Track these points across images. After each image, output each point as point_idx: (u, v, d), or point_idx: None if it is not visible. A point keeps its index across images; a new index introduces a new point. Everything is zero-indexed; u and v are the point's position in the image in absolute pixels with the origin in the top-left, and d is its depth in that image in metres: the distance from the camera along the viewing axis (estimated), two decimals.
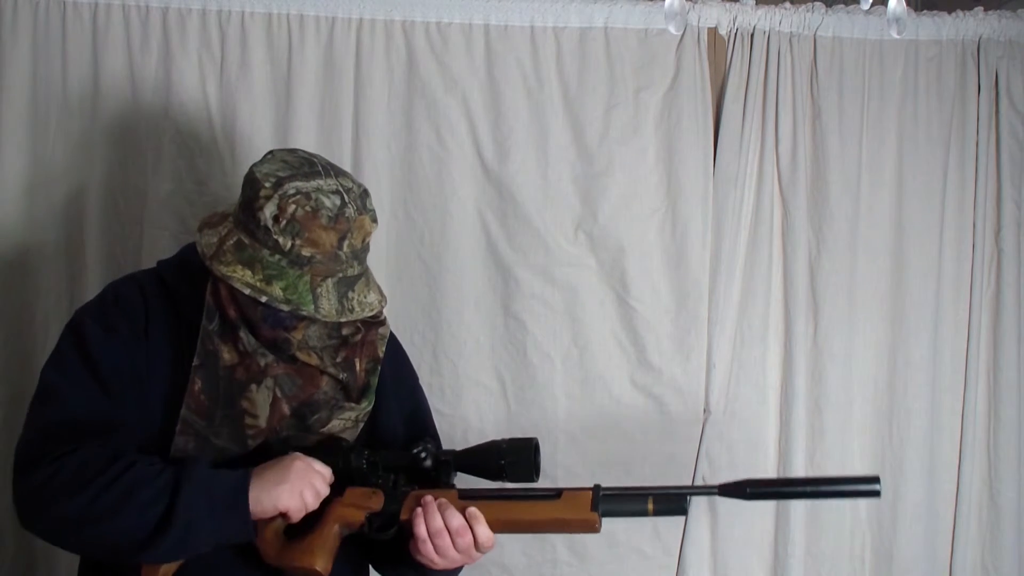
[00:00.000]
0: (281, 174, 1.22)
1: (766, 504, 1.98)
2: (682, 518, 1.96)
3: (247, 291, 1.20)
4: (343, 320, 1.24)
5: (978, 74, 1.97)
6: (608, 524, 1.90)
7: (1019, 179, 1.97)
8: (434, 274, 1.91)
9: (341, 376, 1.29)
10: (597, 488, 1.24)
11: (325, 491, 1.23)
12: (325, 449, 1.26)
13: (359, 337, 1.31)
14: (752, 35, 1.93)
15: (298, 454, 1.22)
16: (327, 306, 1.21)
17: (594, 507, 1.22)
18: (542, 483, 1.26)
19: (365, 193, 1.27)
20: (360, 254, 1.26)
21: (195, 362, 1.24)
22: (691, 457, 1.95)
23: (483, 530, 1.22)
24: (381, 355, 1.34)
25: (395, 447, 1.34)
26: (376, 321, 1.35)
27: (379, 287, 1.31)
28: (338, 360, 1.29)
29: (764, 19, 1.93)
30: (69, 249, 1.86)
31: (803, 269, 1.95)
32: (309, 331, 1.26)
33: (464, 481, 1.29)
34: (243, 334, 1.25)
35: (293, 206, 1.19)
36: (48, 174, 1.85)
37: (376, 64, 1.88)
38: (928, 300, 1.96)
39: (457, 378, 1.91)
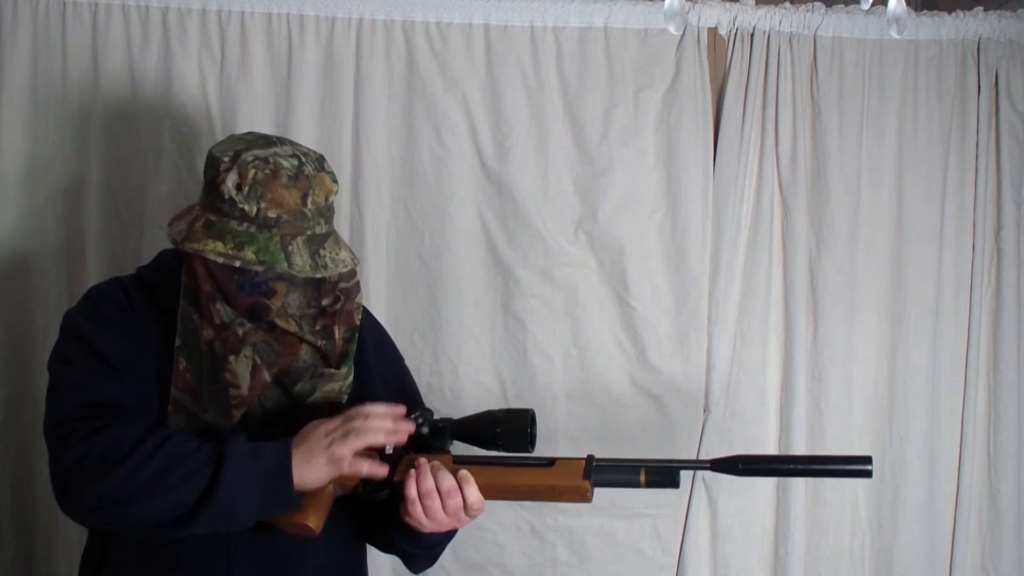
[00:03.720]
0: (238, 147, 1.26)
1: (766, 503, 1.98)
2: (682, 516, 1.97)
3: (221, 259, 1.21)
4: (319, 276, 1.25)
5: (978, 74, 1.97)
6: (608, 524, 1.95)
7: (1019, 179, 1.97)
8: (434, 274, 1.91)
9: (320, 343, 1.29)
10: (591, 458, 1.25)
11: (390, 439, 1.23)
12: (325, 413, 1.27)
13: (338, 306, 1.32)
14: (752, 35, 1.93)
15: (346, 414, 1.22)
16: (300, 262, 1.23)
17: (586, 475, 1.23)
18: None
19: (322, 158, 1.30)
20: (325, 212, 1.28)
21: (177, 342, 1.26)
22: (691, 457, 1.95)
23: (473, 492, 1.22)
24: (357, 323, 1.35)
25: None
26: (350, 286, 1.35)
27: (349, 248, 1.32)
28: (317, 328, 1.29)
29: (764, 19, 1.93)
30: (69, 249, 1.86)
31: (803, 269, 1.95)
32: (288, 298, 1.27)
33: (460, 450, 1.30)
34: (219, 306, 1.26)
35: (253, 171, 1.22)
36: (48, 174, 1.85)
37: (376, 64, 1.88)
38: (928, 300, 1.96)
39: (457, 378, 1.91)
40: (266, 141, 1.28)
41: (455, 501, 1.22)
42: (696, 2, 1.92)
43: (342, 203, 1.89)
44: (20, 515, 1.89)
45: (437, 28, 1.89)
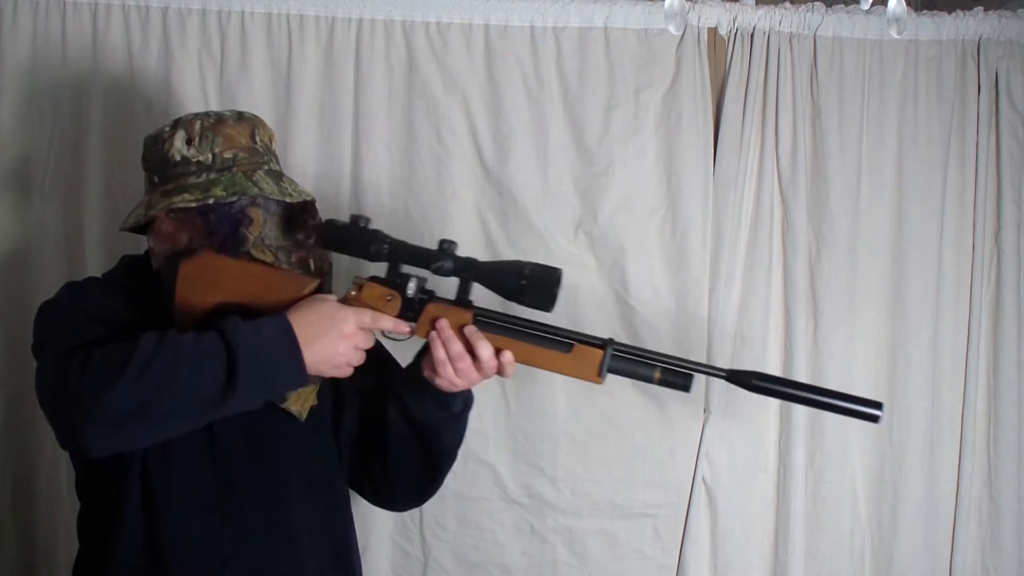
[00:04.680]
0: (173, 119, 1.30)
1: (766, 503, 1.98)
2: (682, 516, 1.97)
3: (193, 204, 1.24)
4: (287, 200, 1.28)
5: (978, 74, 1.96)
6: (608, 524, 1.96)
7: (1019, 179, 1.97)
8: None
9: (298, 272, 1.31)
10: (607, 349, 1.27)
11: (368, 344, 1.25)
12: (346, 230, 1.28)
13: (311, 242, 1.33)
14: (752, 35, 1.93)
15: (342, 306, 1.24)
16: (267, 187, 1.27)
17: (600, 372, 1.26)
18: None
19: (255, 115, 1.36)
20: (274, 153, 1.34)
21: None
22: (691, 457, 1.96)
23: (510, 366, 1.27)
24: (331, 261, 1.37)
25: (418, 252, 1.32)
26: (317, 222, 1.36)
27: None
28: (293, 260, 1.31)
29: (764, 19, 1.92)
30: (69, 249, 1.86)
31: (803, 269, 1.95)
32: (265, 229, 1.28)
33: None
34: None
35: (198, 123, 1.27)
36: (47, 174, 1.85)
37: (376, 64, 1.88)
38: (928, 300, 1.96)
39: None
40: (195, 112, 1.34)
41: (491, 368, 1.26)
42: (696, 2, 1.92)
43: (342, 203, 1.90)
44: (20, 515, 1.89)
45: (437, 28, 1.89)
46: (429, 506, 1.93)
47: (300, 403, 1.30)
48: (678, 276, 1.93)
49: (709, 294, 1.94)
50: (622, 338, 1.91)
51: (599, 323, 1.92)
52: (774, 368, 1.97)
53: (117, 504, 1.28)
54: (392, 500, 1.48)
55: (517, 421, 1.94)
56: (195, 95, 1.85)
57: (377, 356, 1.37)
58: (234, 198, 1.23)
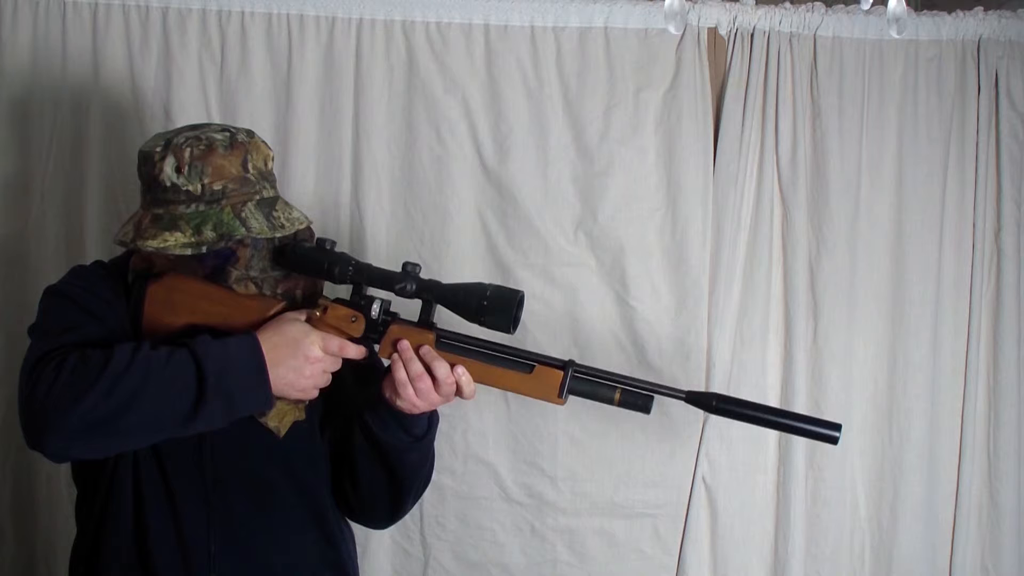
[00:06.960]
0: (167, 136, 1.28)
1: (766, 503, 1.98)
2: (682, 516, 1.97)
3: (189, 251, 1.23)
4: (277, 236, 1.27)
5: (978, 74, 1.96)
6: (608, 524, 1.96)
7: (1019, 179, 1.97)
8: (434, 274, 1.88)
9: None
10: (568, 371, 1.28)
11: (336, 367, 1.28)
12: (311, 252, 1.28)
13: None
14: (752, 35, 1.93)
15: (310, 330, 1.25)
16: (256, 225, 1.25)
17: (560, 393, 1.28)
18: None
19: (251, 131, 1.33)
20: (268, 177, 1.31)
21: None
22: (691, 457, 1.96)
23: (468, 385, 1.29)
24: (321, 289, 1.36)
25: (382, 275, 1.31)
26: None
27: (299, 210, 1.33)
28: (279, 292, 1.31)
29: (764, 19, 1.92)
30: (69, 249, 1.86)
31: (803, 269, 1.95)
32: (252, 262, 1.29)
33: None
34: None
35: (188, 149, 1.24)
36: (47, 174, 1.85)
37: (376, 64, 1.88)
38: (928, 300, 1.96)
39: None
40: (192, 125, 1.31)
41: (450, 388, 1.27)
42: (696, 2, 1.92)
43: (342, 203, 1.90)
44: (20, 515, 1.89)
45: (437, 28, 1.89)
46: (429, 506, 1.94)
47: (278, 419, 1.30)
48: (678, 276, 1.93)
49: (709, 294, 1.94)
50: (622, 338, 1.93)
51: (599, 323, 1.93)
52: (774, 368, 1.97)
53: (109, 495, 1.29)
54: (363, 517, 1.47)
55: (517, 421, 1.94)
56: (195, 95, 1.85)
57: (376, 370, 1.37)
58: (221, 243, 1.23)
